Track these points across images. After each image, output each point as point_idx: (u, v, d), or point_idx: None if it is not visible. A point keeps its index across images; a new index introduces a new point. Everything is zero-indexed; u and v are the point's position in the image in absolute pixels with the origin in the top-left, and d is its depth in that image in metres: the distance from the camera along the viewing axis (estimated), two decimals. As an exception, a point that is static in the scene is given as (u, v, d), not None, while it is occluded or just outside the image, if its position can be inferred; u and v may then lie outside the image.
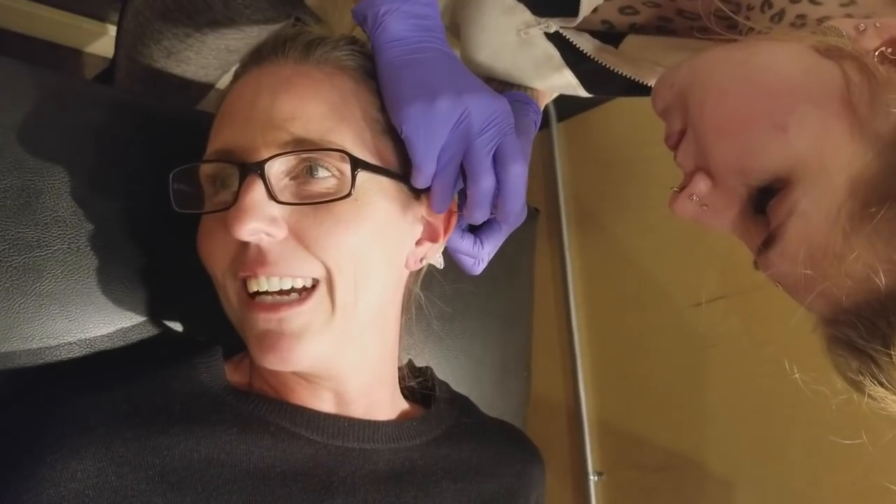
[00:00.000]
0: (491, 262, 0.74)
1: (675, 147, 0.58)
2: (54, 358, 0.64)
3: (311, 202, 0.57)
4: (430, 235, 0.67)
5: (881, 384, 0.47)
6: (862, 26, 0.50)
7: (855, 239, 0.46)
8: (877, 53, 0.49)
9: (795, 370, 0.56)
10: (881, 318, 0.46)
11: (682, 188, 0.56)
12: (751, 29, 0.61)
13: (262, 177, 0.56)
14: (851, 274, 0.46)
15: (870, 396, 0.48)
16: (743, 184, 0.52)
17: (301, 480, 0.60)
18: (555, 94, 0.95)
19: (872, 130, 0.46)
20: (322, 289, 0.58)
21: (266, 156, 0.57)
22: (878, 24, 0.50)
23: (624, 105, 1.65)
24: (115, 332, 0.67)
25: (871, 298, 0.46)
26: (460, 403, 0.79)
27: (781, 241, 0.50)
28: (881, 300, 0.46)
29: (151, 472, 0.55)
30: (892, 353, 0.45)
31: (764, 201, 0.51)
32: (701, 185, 0.54)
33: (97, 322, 0.66)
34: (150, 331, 0.69)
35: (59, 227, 0.64)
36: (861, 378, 0.48)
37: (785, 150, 0.48)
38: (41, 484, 0.52)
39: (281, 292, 0.58)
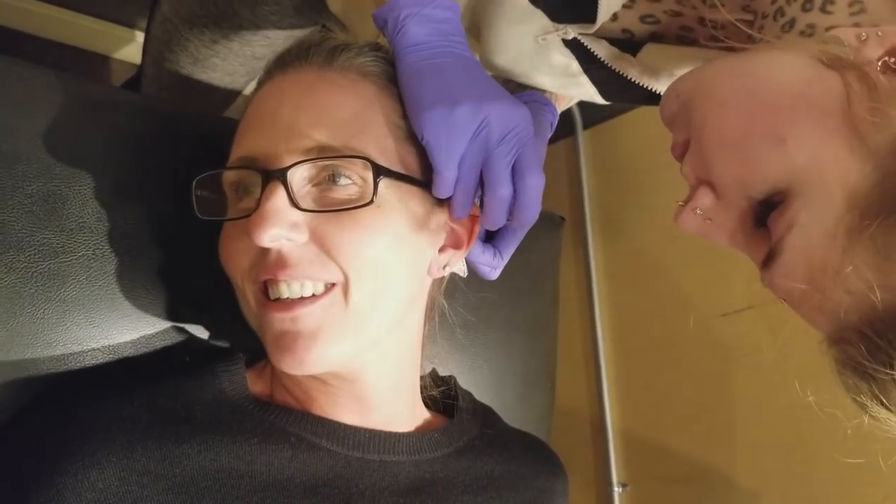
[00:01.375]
0: (516, 272, 0.73)
1: (680, 157, 0.57)
2: (78, 364, 0.64)
3: (332, 209, 0.57)
4: (454, 242, 0.67)
5: (883, 405, 0.46)
6: (864, 35, 0.49)
7: (852, 252, 0.45)
8: (879, 63, 0.48)
9: (809, 393, 0.55)
10: (881, 337, 0.44)
11: (687, 202, 0.56)
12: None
13: (284, 183, 0.56)
14: (849, 289, 0.46)
15: (872, 417, 0.47)
16: (744, 196, 0.51)
17: (321, 492, 0.60)
18: (575, 100, 0.95)
19: (871, 143, 0.45)
20: (336, 291, 0.58)
21: (288, 163, 0.57)
22: (879, 33, 0.49)
23: (650, 112, 1.63)
24: (138, 339, 0.67)
25: (872, 316, 0.45)
26: (483, 414, 0.79)
27: (782, 255, 0.49)
28: (881, 318, 0.44)
29: (171, 483, 0.55)
30: (894, 373, 0.44)
31: (765, 214, 0.50)
32: (704, 198, 0.54)
33: (121, 328, 0.66)
34: (174, 337, 0.69)
35: (84, 233, 0.64)
36: (863, 399, 0.47)
37: (784, 163, 0.48)
38: (62, 493, 0.52)
39: (302, 298, 0.58)
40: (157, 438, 0.56)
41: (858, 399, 0.47)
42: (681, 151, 0.57)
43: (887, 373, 0.44)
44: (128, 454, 0.54)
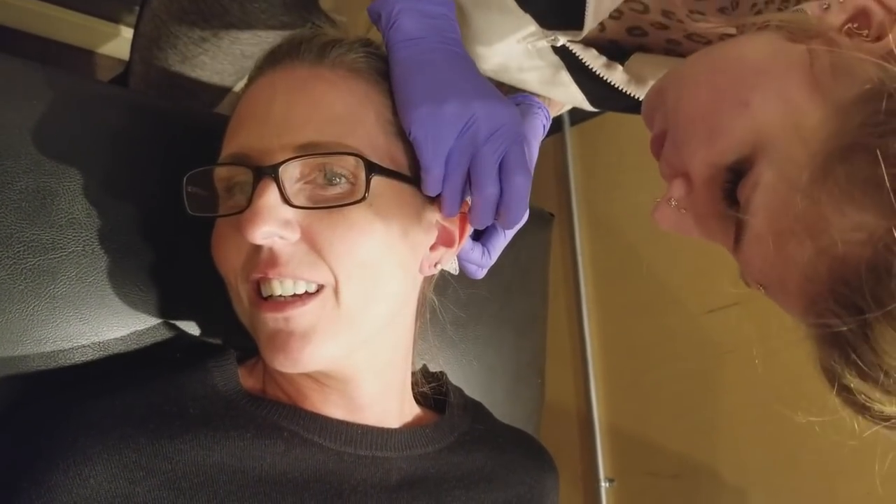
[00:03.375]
0: (506, 268, 0.73)
1: (657, 153, 0.57)
2: (68, 361, 0.63)
3: (324, 206, 0.57)
4: (445, 240, 0.67)
5: (860, 369, 0.43)
6: (825, 4, 0.50)
7: (818, 201, 0.43)
8: (844, 29, 0.49)
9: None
10: (852, 288, 0.42)
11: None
12: None
13: (276, 180, 0.56)
14: (821, 247, 0.44)
15: (856, 404, 0.45)
16: (714, 172, 0.50)
17: (312, 488, 0.60)
18: (568, 107, 0.95)
19: (834, 97, 0.45)
20: (327, 292, 0.58)
21: (280, 159, 0.56)
22: (840, 0, 0.49)
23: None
24: (129, 335, 0.67)
25: (847, 272, 0.43)
26: (474, 410, 0.79)
27: (750, 220, 0.48)
28: (852, 269, 0.42)
29: (163, 479, 0.55)
30: (869, 333, 0.42)
31: (735, 190, 0.50)
32: (679, 187, 0.53)
33: (111, 325, 0.66)
34: (164, 334, 0.69)
35: (74, 229, 0.64)
36: (842, 373, 0.44)
37: (748, 124, 0.48)
38: (53, 490, 0.52)
39: (294, 296, 0.58)
40: (148, 434, 0.56)
41: (845, 385, 0.45)
42: (658, 145, 0.56)
43: (859, 326, 0.42)
44: (119, 450, 0.54)
